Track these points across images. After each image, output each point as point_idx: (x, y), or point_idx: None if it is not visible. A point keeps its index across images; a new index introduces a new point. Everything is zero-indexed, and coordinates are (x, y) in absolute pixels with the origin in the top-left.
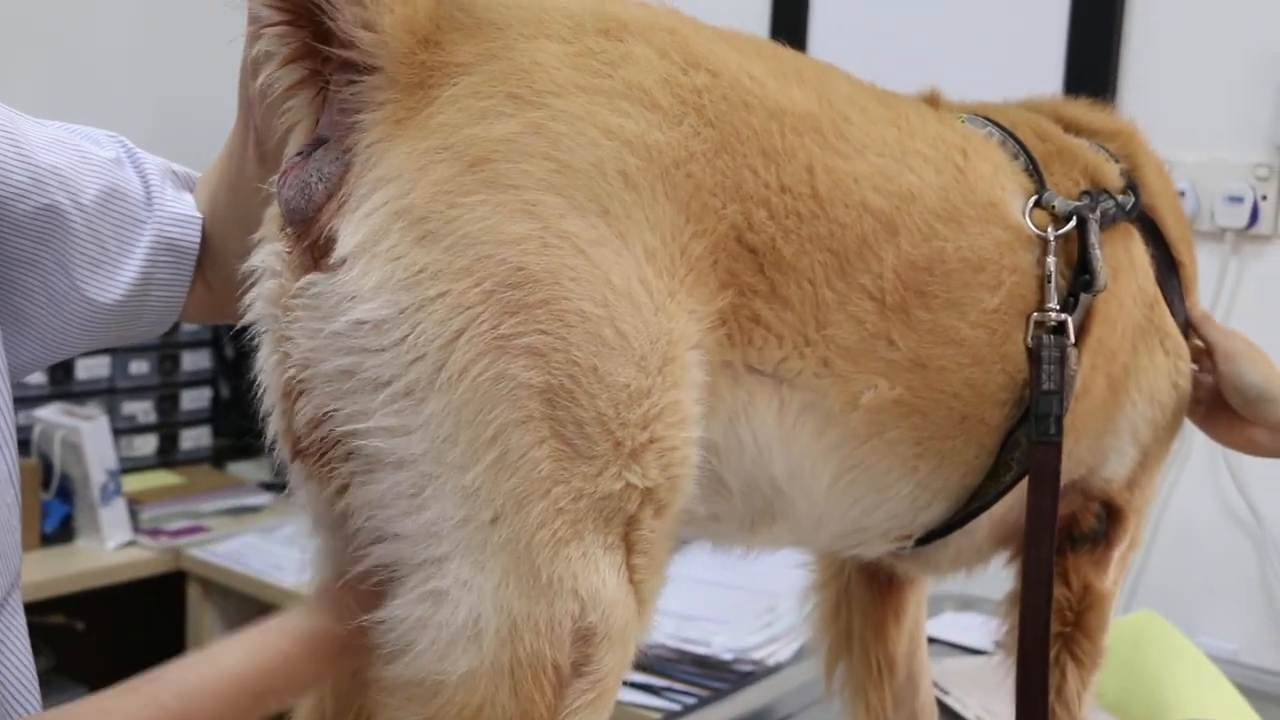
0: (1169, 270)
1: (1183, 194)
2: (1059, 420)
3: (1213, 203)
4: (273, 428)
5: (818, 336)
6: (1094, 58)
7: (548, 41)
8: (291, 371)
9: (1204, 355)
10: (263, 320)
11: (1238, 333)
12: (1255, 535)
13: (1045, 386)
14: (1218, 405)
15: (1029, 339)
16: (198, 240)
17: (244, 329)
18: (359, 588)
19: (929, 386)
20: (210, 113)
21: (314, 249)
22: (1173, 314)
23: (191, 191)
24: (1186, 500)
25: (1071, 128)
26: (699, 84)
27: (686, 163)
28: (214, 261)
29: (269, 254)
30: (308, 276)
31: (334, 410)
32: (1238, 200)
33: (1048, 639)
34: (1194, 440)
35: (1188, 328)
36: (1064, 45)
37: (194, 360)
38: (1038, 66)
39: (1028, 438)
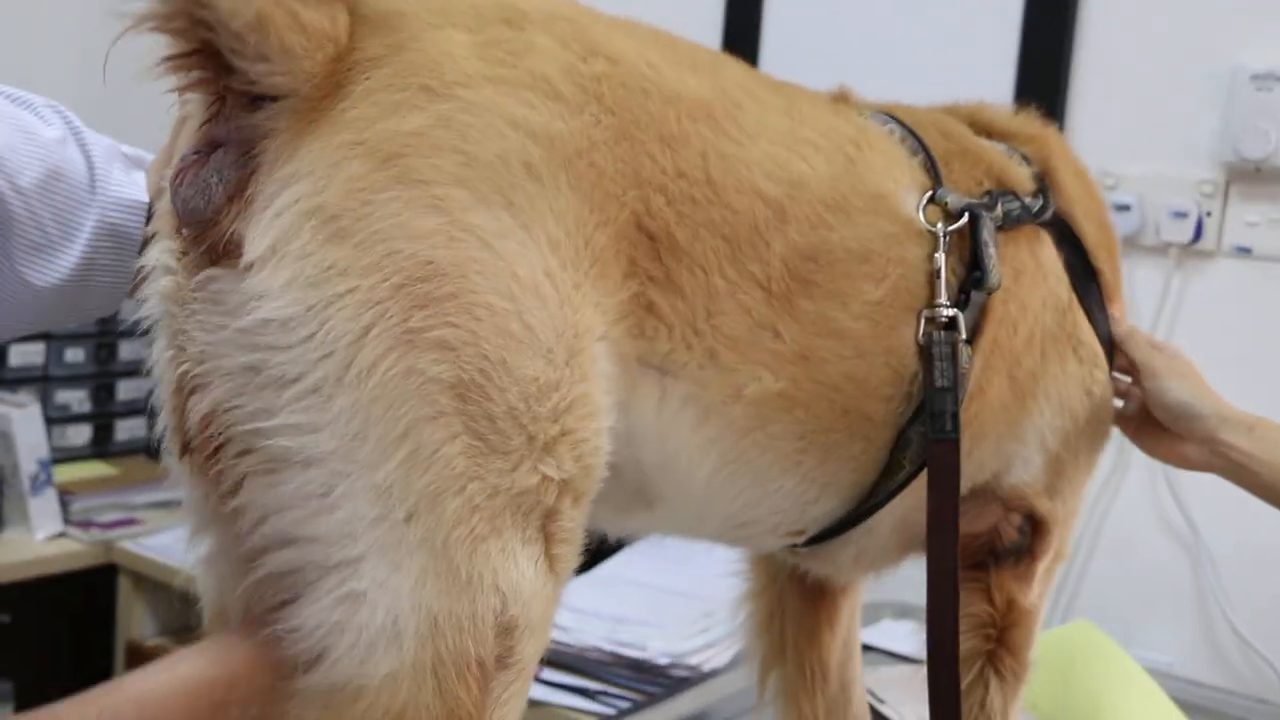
0: (1086, 278)
1: (1128, 208)
2: (955, 417)
3: (1158, 218)
4: (162, 423)
5: (706, 326)
6: (1044, 71)
7: (454, 31)
8: (185, 366)
9: (1132, 371)
10: (158, 316)
11: (1164, 346)
12: (1192, 548)
13: (939, 383)
14: (1148, 420)
15: (920, 335)
16: (141, 226)
17: None
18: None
19: (811, 379)
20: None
21: (213, 250)
22: (1091, 322)
23: (144, 172)
24: (1125, 513)
25: (986, 131)
26: (598, 71)
27: (589, 152)
28: None
29: (162, 251)
30: (206, 271)
31: (234, 407)
32: (1182, 215)
33: (956, 637)
34: (1133, 453)
35: (1110, 339)
36: (1015, 59)
37: (132, 349)
38: (989, 79)
39: (921, 435)
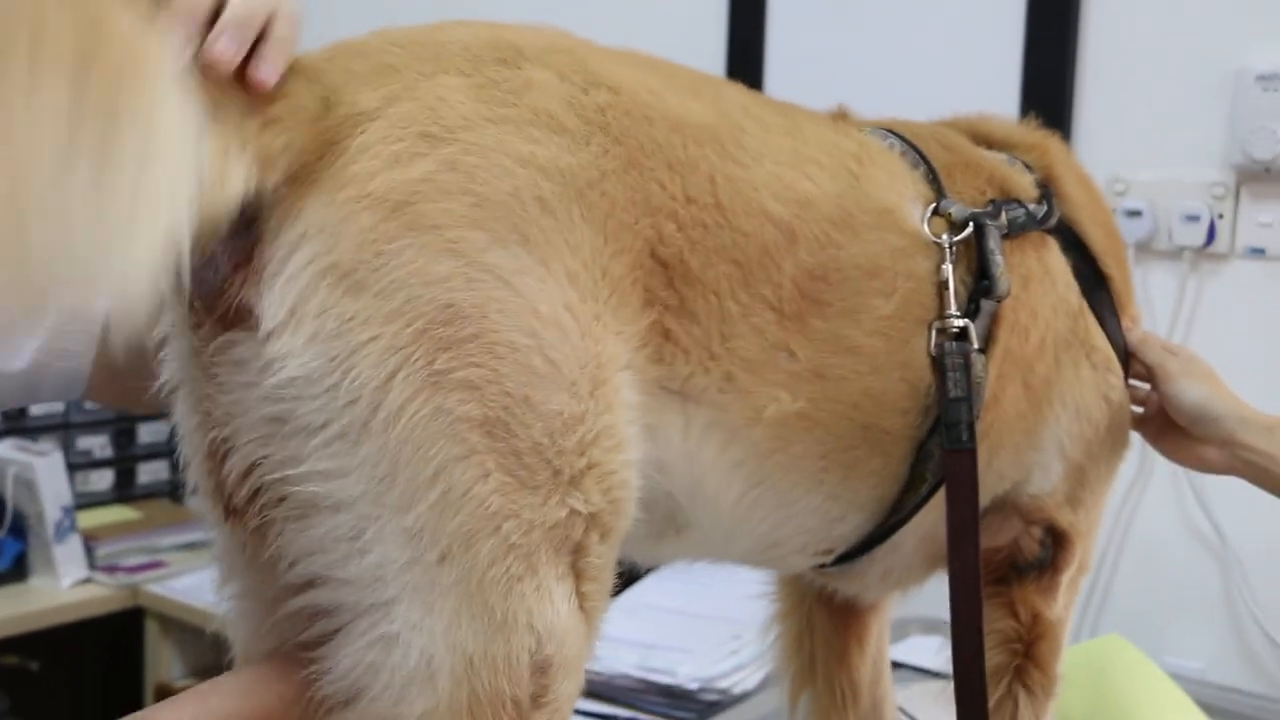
0: (1096, 283)
1: (1140, 213)
2: (970, 427)
3: (1170, 222)
4: (194, 483)
5: (722, 350)
6: (1049, 79)
7: (447, 76)
8: (214, 432)
9: (1149, 376)
10: (178, 382)
11: (1180, 350)
12: (1219, 553)
13: (953, 394)
14: (1167, 424)
15: (932, 346)
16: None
17: None
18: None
19: (828, 397)
20: None
21: (224, 317)
22: (1104, 327)
23: None
24: (1150, 520)
25: (987, 142)
26: (601, 102)
27: (599, 182)
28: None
29: (176, 319)
30: (225, 336)
31: (264, 458)
32: (1195, 219)
33: (981, 648)
34: (1156, 460)
35: (1125, 345)
36: (1019, 67)
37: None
38: (993, 88)
39: (941, 448)
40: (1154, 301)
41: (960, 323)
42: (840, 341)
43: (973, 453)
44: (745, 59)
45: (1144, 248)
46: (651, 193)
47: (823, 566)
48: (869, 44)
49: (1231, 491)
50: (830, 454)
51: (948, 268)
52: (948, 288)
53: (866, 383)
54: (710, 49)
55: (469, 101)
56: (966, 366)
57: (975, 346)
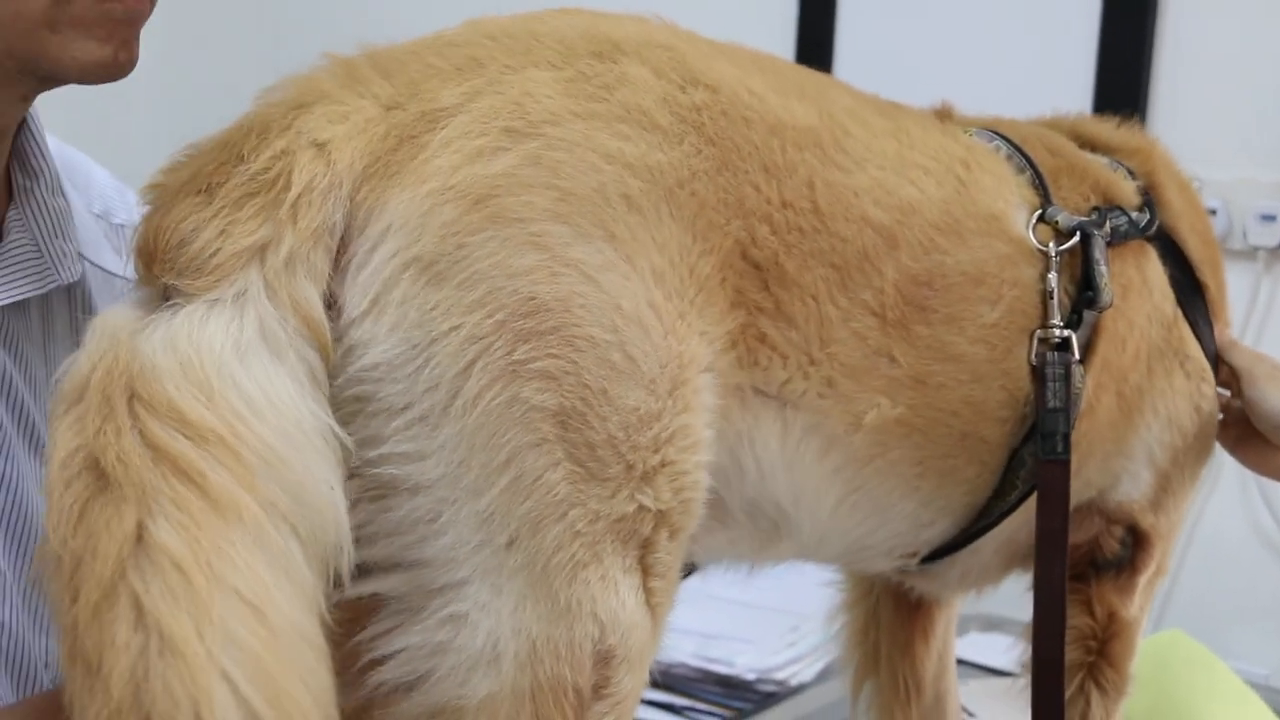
0: (1192, 292)
1: (1214, 213)
2: (1066, 438)
3: (1245, 221)
4: None
5: (822, 355)
6: (1124, 77)
7: (537, 70)
8: None
9: (1233, 380)
10: None
11: (1266, 357)
12: None
13: (1051, 404)
14: (1247, 431)
15: (1033, 356)
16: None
17: None
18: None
19: (928, 404)
20: None
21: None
22: (1198, 337)
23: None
24: (1217, 521)
25: (1090, 145)
26: (698, 101)
27: (689, 182)
28: None
29: None
30: None
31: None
32: (1270, 219)
33: (1062, 661)
34: (1224, 460)
35: (1216, 354)
36: (1094, 65)
37: None
38: (1067, 85)
39: (1034, 456)
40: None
41: (1063, 333)
42: (944, 348)
43: (1066, 464)
44: (815, 52)
45: None
46: (745, 195)
47: (905, 568)
48: (940, 37)
49: None
50: (927, 460)
51: (1053, 277)
52: (1052, 297)
53: (967, 391)
54: (780, 43)
55: (557, 96)
56: (1067, 377)
57: (1076, 358)
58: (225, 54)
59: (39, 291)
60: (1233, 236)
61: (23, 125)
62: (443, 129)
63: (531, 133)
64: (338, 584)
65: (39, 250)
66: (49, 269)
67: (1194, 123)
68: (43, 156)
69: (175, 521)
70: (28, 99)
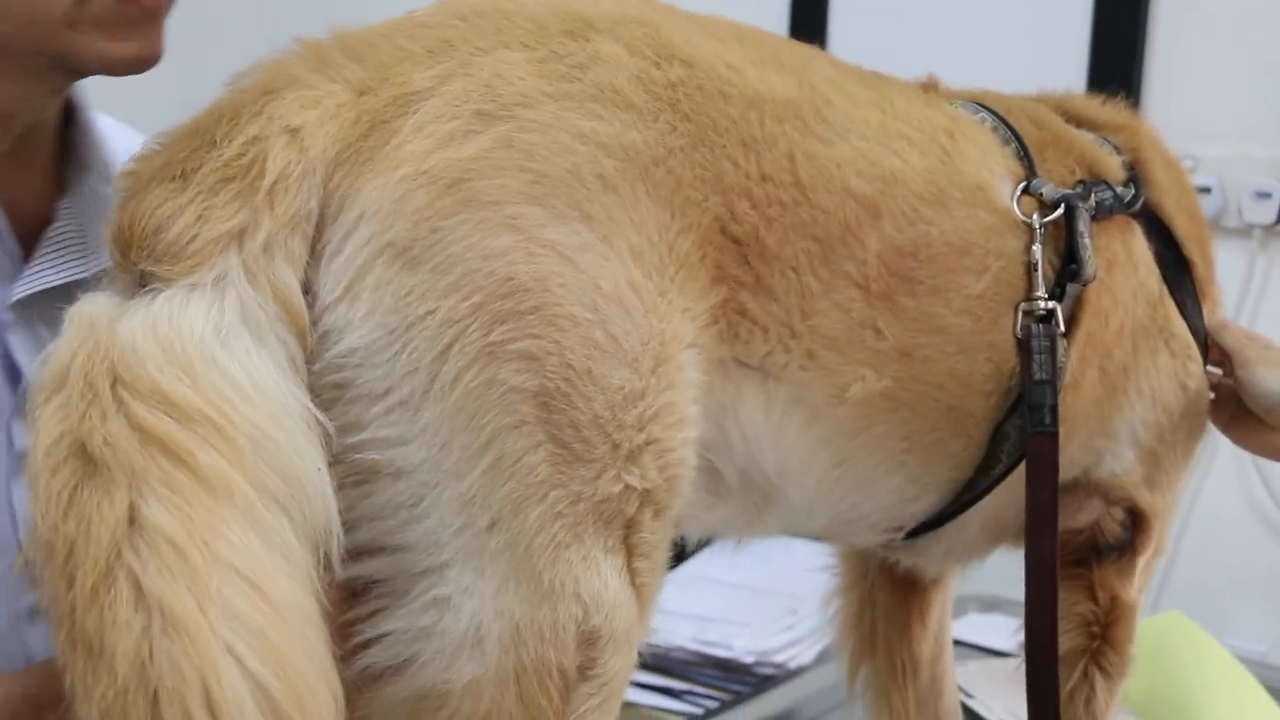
0: (1178, 269)
1: (1209, 190)
2: (1054, 410)
3: (1240, 199)
4: None
5: (803, 327)
6: (1118, 54)
7: (508, 51)
8: None
9: (1225, 361)
10: None
11: (1258, 336)
12: None
13: (1037, 376)
14: (1241, 411)
15: (1018, 328)
16: None
17: None
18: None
19: (914, 377)
20: None
21: None
22: (1184, 314)
23: None
24: (1213, 500)
25: (1075, 121)
26: (673, 77)
27: (665, 160)
28: None
29: None
30: None
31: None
32: (1266, 196)
33: (1055, 633)
34: (1220, 440)
35: (1205, 332)
36: (1087, 41)
37: None
38: (1061, 61)
39: (1019, 430)
40: (1222, 280)
41: (1048, 305)
42: (930, 320)
43: (1055, 436)
44: (807, 30)
45: (1213, 225)
46: (723, 170)
47: (889, 542)
48: (935, 15)
49: None
50: (913, 434)
51: (1038, 249)
52: (1037, 269)
53: (953, 363)
54: (772, 24)
55: (529, 77)
56: (1053, 350)
57: (1061, 330)
58: (227, 53)
59: (84, 275)
60: (1228, 214)
61: (70, 117)
62: (414, 113)
63: (503, 115)
64: (328, 566)
65: (85, 236)
66: (94, 254)
67: (1189, 100)
68: (95, 149)
69: (167, 501)
70: (59, 91)
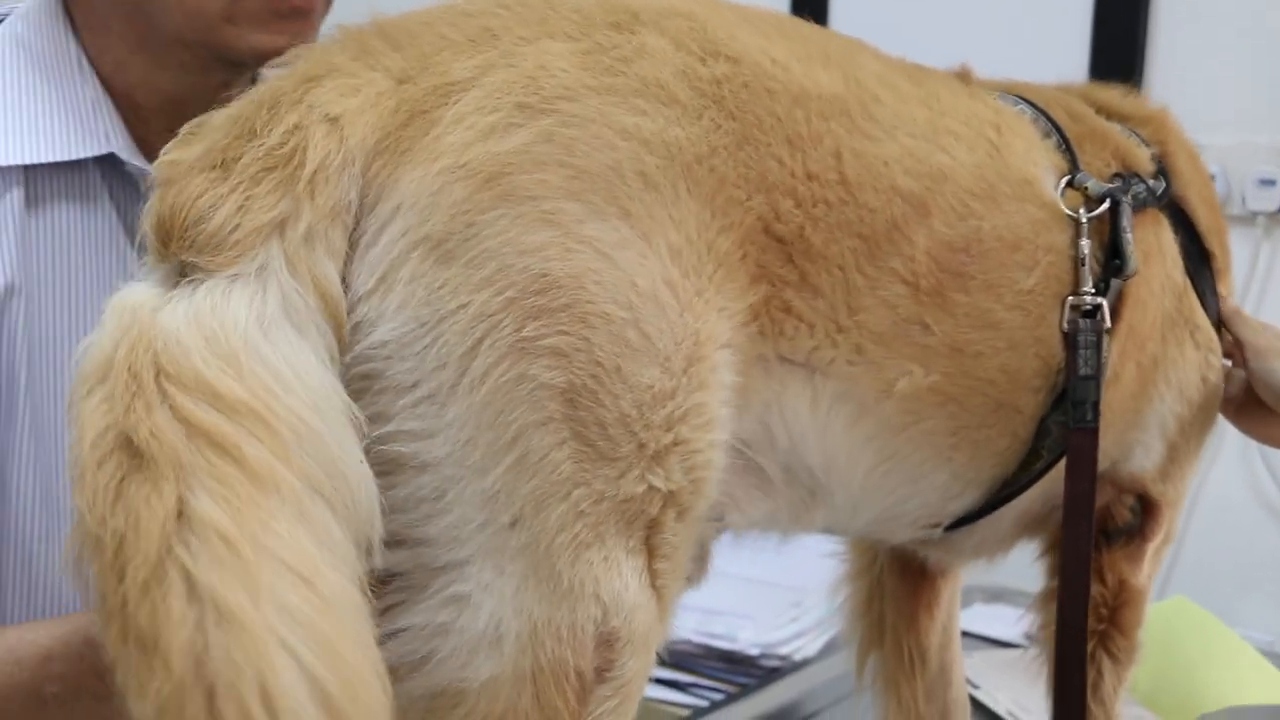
0: (1200, 261)
1: (1213, 178)
2: (1095, 406)
3: (1244, 186)
4: None
5: (850, 323)
6: (1121, 41)
7: (551, 42)
8: None
9: (1236, 350)
10: None
11: (1271, 327)
12: None
13: (1082, 371)
14: (1250, 401)
15: (1064, 323)
16: None
17: None
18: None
19: (964, 373)
20: None
21: None
22: (1204, 306)
23: None
24: (1219, 488)
25: (1103, 112)
26: (718, 74)
27: (709, 158)
28: None
29: None
30: None
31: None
32: (1269, 183)
33: (1085, 627)
34: (1226, 428)
35: (1220, 323)
36: (1089, 28)
37: None
38: (1063, 49)
39: (1061, 425)
40: None
41: (1095, 300)
42: (983, 316)
43: (1095, 432)
44: (809, 8)
45: None
46: (768, 169)
47: (925, 537)
48: (936, 2)
49: None
50: (961, 430)
51: (1085, 243)
52: (1084, 264)
53: (1004, 359)
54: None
55: (572, 70)
56: (1098, 345)
57: (1107, 325)
58: None
59: None
60: (1231, 202)
61: None
62: (455, 104)
63: (545, 108)
64: (369, 558)
65: None
66: None
67: (1192, 87)
68: None
69: (216, 495)
70: (226, 85)
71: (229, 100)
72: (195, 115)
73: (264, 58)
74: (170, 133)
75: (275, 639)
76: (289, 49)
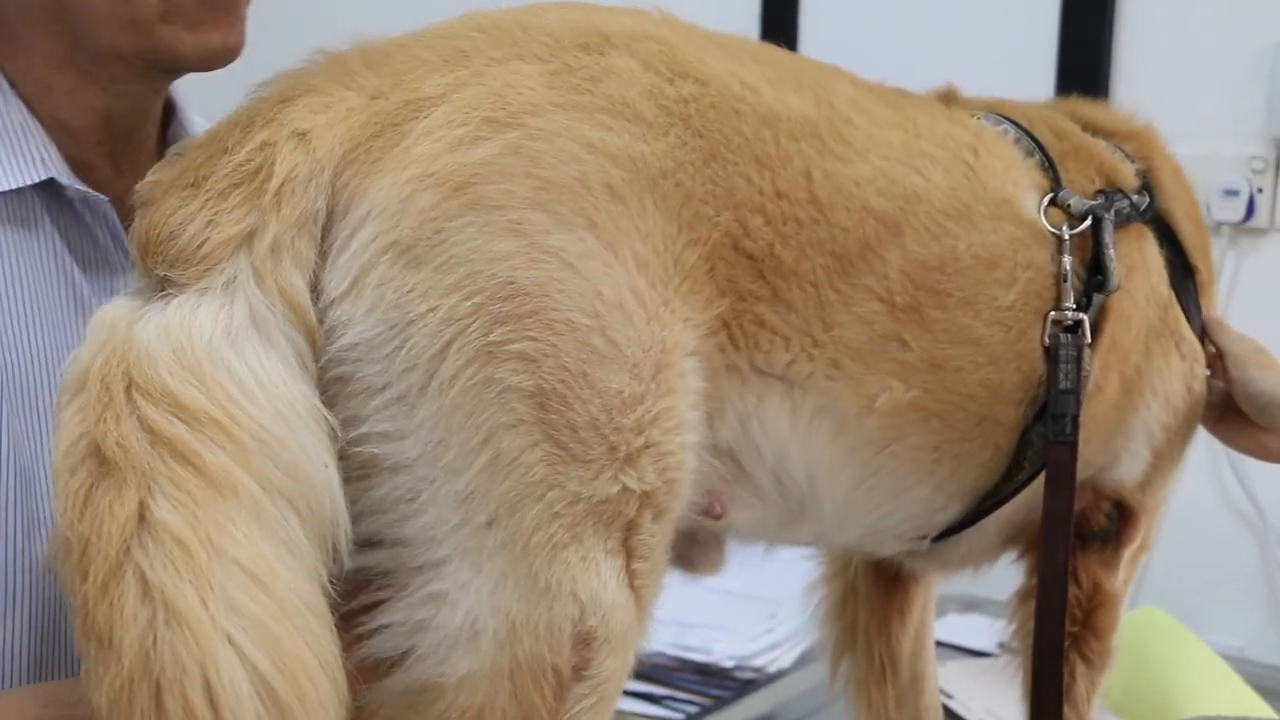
0: (1184, 275)
1: None
2: (1075, 420)
3: (1209, 197)
4: None
5: (825, 337)
6: (1086, 52)
7: (522, 63)
8: None
9: (1216, 360)
10: None
11: (1249, 338)
12: (1257, 528)
13: (1062, 385)
14: (1230, 410)
15: (1045, 337)
16: None
17: None
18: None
19: (945, 388)
20: None
21: None
22: (1188, 319)
23: None
24: (1187, 494)
25: (1088, 128)
26: (685, 93)
27: (674, 173)
28: None
29: None
30: None
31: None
32: (1234, 194)
33: (1062, 638)
34: (1196, 434)
35: (1203, 333)
36: (1056, 40)
37: None
38: (1030, 61)
39: (1042, 437)
40: None
41: (1076, 315)
42: (961, 332)
43: (1074, 445)
44: (778, 30)
45: None
46: (735, 186)
47: (913, 550)
48: (904, 18)
49: (1271, 468)
50: (943, 445)
51: (1066, 260)
52: (1065, 280)
53: (985, 374)
54: (743, 24)
55: (539, 88)
56: (1079, 359)
57: (1088, 340)
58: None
59: None
60: None
61: (170, 117)
62: (425, 118)
63: (512, 123)
64: (336, 558)
65: None
66: None
67: (1157, 98)
68: None
69: (175, 500)
70: (159, 92)
71: (161, 110)
72: (128, 128)
73: (201, 57)
74: (104, 149)
75: (221, 636)
76: (222, 45)
